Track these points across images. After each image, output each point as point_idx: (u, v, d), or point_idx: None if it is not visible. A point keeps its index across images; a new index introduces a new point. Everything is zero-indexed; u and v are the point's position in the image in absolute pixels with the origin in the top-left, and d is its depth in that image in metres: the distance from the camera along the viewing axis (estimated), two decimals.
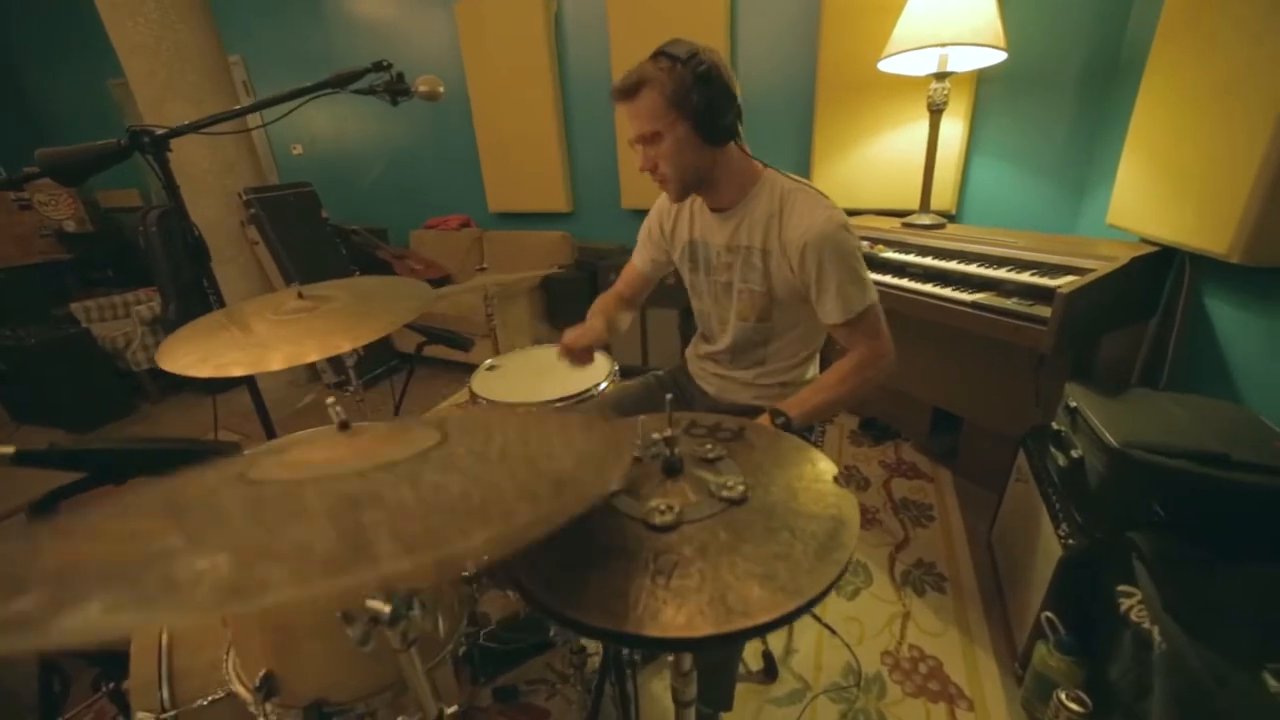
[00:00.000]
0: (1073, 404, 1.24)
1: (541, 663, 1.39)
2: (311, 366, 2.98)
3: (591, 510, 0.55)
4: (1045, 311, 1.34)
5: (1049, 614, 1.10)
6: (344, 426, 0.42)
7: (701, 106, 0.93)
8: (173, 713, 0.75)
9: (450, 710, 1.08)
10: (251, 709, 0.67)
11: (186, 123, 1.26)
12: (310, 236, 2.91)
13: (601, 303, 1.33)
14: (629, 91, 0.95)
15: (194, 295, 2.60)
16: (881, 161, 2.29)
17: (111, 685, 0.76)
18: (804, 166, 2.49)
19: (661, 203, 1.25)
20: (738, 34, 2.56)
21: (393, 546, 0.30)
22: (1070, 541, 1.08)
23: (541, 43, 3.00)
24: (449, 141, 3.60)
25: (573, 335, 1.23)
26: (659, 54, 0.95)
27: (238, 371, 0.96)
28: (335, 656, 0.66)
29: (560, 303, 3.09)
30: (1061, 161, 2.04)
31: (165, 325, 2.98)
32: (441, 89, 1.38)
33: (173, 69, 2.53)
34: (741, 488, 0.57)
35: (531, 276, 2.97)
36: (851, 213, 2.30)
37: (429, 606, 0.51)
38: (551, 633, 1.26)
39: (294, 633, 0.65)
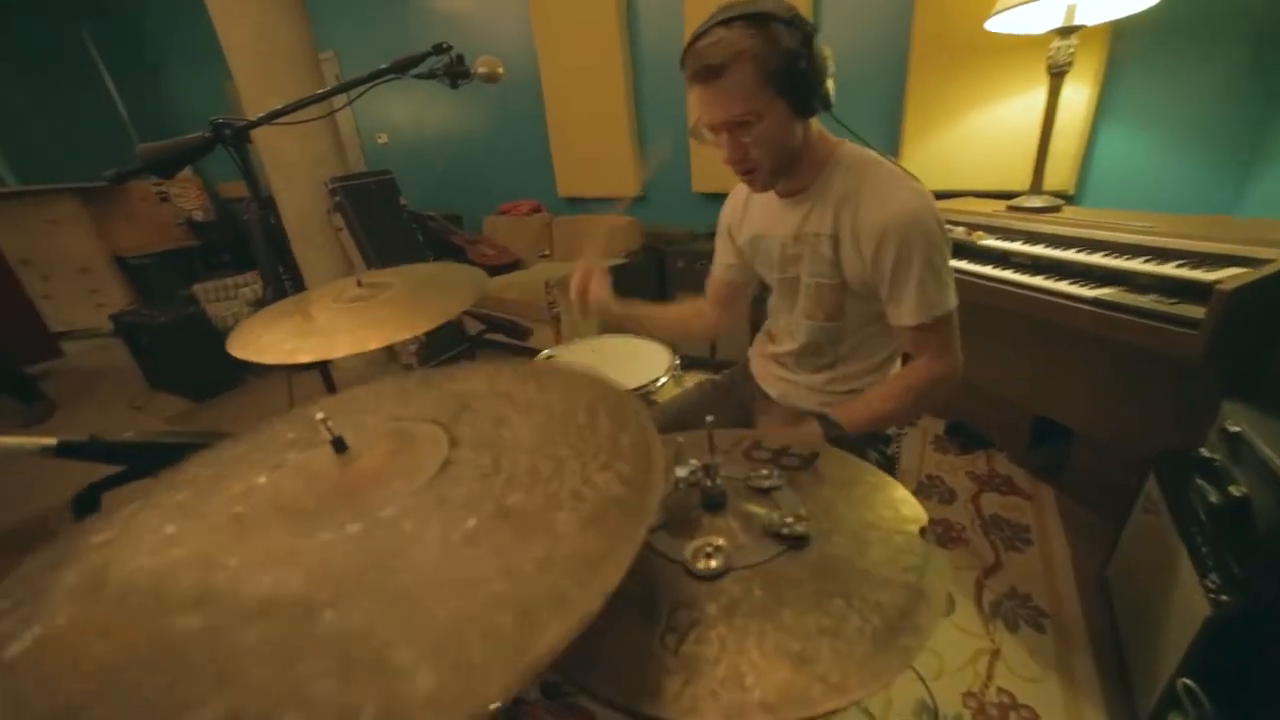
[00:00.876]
0: (1233, 428, 1.02)
1: None
2: (389, 346, 3.13)
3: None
4: (1197, 312, 1.10)
5: (1188, 681, 0.91)
6: (340, 447, 0.37)
7: (803, 79, 0.79)
8: None
9: (493, 706, 1.07)
10: None
11: (263, 114, 1.30)
12: (389, 223, 3.03)
13: (680, 307, 1.29)
14: (716, 71, 0.78)
15: (282, 279, 2.81)
16: (985, 136, 2.03)
17: None
18: (891, 143, 2.25)
19: (731, 198, 1.14)
20: None
21: None
22: (1223, 598, 0.88)
23: (612, 24, 2.92)
24: (521, 127, 3.62)
25: (587, 285, 1.19)
26: (738, 18, 0.77)
27: (304, 358, 0.98)
28: None
29: (626, 289, 3.02)
30: (1222, 129, 1.70)
31: (263, 307, 3.23)
32: (500, 70, 1.34)
33: (271, 67, 2.69)
34: (804, 526, 0.48)
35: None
36: (947, 194, 2.07)
37: None
38: None
39: None
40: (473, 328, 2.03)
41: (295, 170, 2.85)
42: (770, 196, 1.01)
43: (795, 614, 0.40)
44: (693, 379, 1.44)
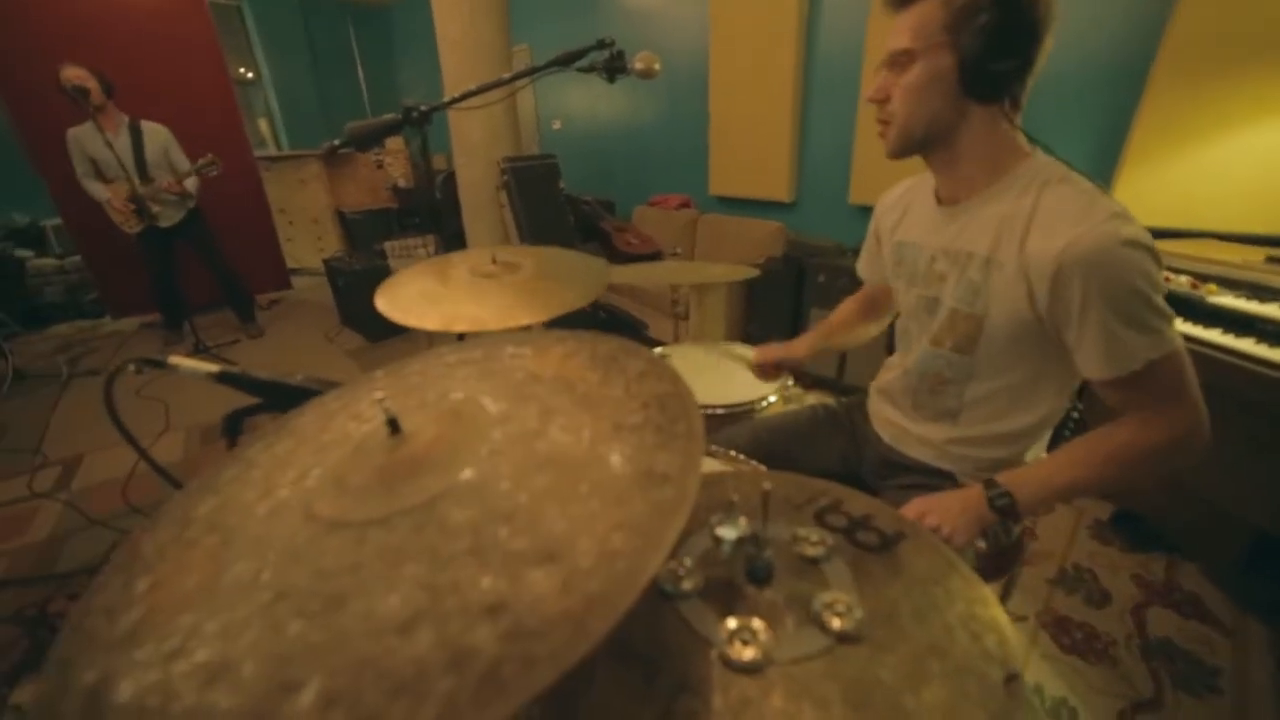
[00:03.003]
0: None
1: None
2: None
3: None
4: None
5: None
6: (394, 429, 0.40)
7: (983, 38, 0.67)
8: None
9: None
10: None
11: (445, 100, 1.45)
12: (547, 203, 3.25)
13: (839, 312, 1.22)
14: None
15: (452, 244, 3.17)
16: (1245, 163, 1.59)
17: None
18: (1105, 163, 1.87)
19: (884, 197, 1.02)
20: None
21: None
22: None
23: (792, 21, 2.79)
24: (683, 122, 3.65)
25: (770, 352, 1.20)
26: None
27: (429, 326, 1.06)
28: None
29: (761, 296, 2.93)
30: None
31: None
32: (657, 66, 1.35)
33: (471, 59, 3.01)
34: (859, 615, 0.40)
35: (719, 278, 2.86)
36: (1174, 233, 1.67)
37: None
38: None
39: None
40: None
41: (475, 148, 3.17)
42: (930, 201, 0.88)
43: None
44: (813, 398, 1.34)
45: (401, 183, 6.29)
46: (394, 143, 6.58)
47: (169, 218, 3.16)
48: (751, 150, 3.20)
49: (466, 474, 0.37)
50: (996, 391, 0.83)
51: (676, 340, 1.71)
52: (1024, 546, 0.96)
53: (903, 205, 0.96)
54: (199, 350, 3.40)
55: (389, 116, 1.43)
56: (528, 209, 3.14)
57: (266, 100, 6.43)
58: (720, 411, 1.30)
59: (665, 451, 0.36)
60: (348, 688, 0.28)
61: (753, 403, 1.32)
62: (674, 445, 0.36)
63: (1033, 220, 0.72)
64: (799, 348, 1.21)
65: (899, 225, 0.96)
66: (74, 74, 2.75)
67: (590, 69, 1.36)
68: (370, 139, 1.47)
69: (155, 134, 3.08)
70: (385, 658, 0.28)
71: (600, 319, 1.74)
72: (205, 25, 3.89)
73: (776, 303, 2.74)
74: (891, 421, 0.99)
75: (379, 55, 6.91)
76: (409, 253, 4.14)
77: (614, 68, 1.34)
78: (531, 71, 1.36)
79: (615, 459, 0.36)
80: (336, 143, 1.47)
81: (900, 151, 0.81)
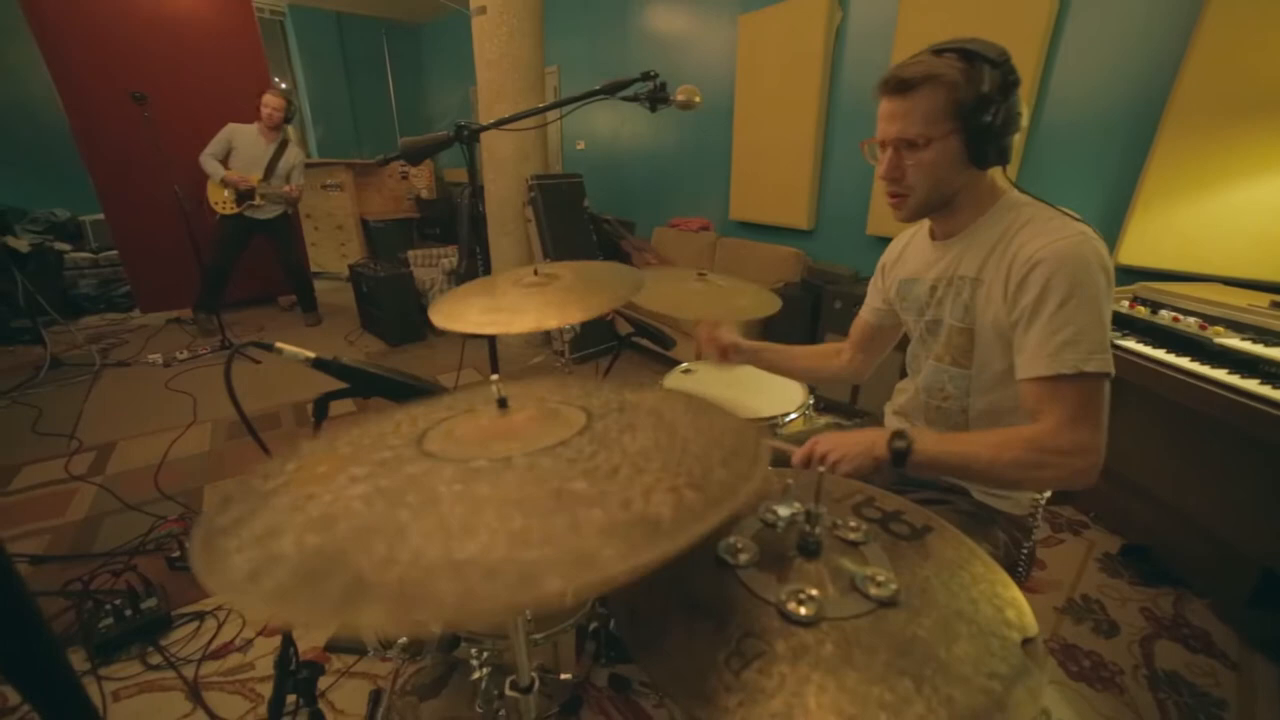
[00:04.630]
0: None
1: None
2: (546, 331, 3.45)
3: (706, 555, 0.52)
4: None
5: None
6: (502, 404, 0.46)
7: (988, 123, 0.78)
8: None
9: (565, 676, 1.14)
10: None
11: (493, 120, 1.55)
12: (571, 220, 3.35)
13: (807, 348, 1.29)
14: (906, 85, 0.81)
15: (476, 257, 3.25)
16: (1254, 211, 1.66)
17: None
18: (1114, 210, 1.94)
19: (894, 242, 1.12)
20: (1062, 37, 2.10)
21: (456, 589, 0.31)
22: None
23: (817, 54, 2.91)
24: (707, 146, 3.76)
25: (715, 331, 1.22)
26: (950, 50, 0.80)
27: (489, 330, 1.14)
28: None
29: (778, 319, 2.99)
30: None
31: (456, 277, 3.78)
32: (698, 99, 1.44)
33: (507, 78, 3.14)
34: (894, 586, 0.47)
35: (745, 314, 2.94)
36: (1183, 277, 1.74)
37: None
38: None
39: None
40: (625, 327, 2.17)
41: (504, 165, 3.29)
42: (924, 239, 0.99)
43: (860, 679, 0.39)
44: (824, 421, 1.40)
45: (424, 194, 6.46)
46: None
47: (267, 212, 3.69)
48: (773, 178, 3.31)
49: (543, 445, 0.43)
50: (997, 404, 0.91)
51: (698, 358, 1.77)
52: (1033, 567, 1.01)
53: (901, 249, 1.08)
54: (224, 346, 3.51)
55: (441, 134, 1.52)
56: (552, 225, 3.24)
57: (300, 109, 6.64)
58: None
59: (724, 470, 0.42)
60: (401, 560, 0.33)
61: (774, 418, 1.39)
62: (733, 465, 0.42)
63: (1015, 237, 0.82)
64: (745, 343, 1.22)
65: (897, 265, 1.07)
66: (273, 101, 3.51)
67: (634, 98, 1.45)
68: (422, 153, 1.56)
69: (294, 154, 3.71)
70: (434, 552, 0.33)
71: (632, 331, 1.81)
72: (253, 38, 4.09)
73: (793, 326, 2.81)
74: None
75: (408, 70, 7.15)
76: (432, 261, 4.25)
77: (657, 98, 1.43)
78: (580, 98, 1.45)
79: (678, 463, 0.42)
80: (390, 155, 1.57)
81: (916, 217, 0.92)
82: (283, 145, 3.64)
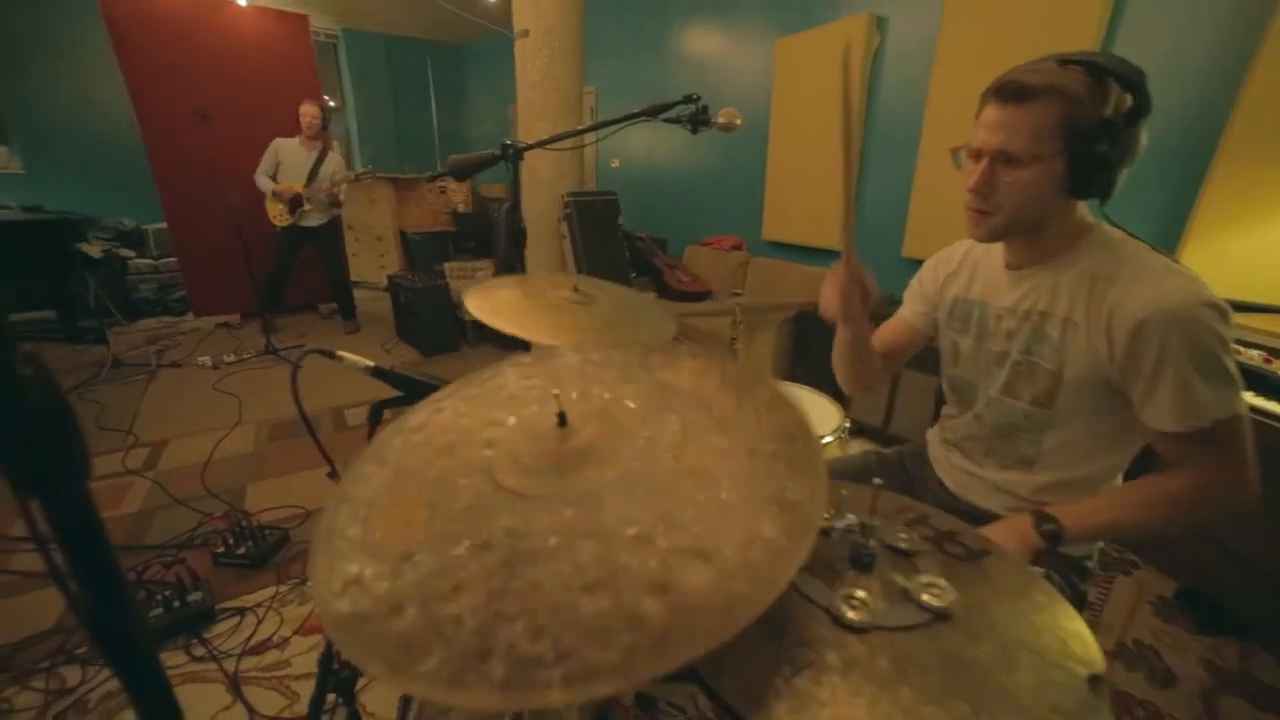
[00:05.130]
0: None
1: (689, 691, 1.37)
2: None
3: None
4: None
5: None
6: (562, 422, 0.48)
7: (1102, 151, 0.72)
8: None
9: None
10: None
11: (536, 140, 1.60)
12: (605, 237, 3.40)
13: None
14: (1024, 94, 0.74)
15: (515, 269, 3.34)
16: None
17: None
18: (1168, 235, 1.88)
19: (943, 252, 1.09)
20: (1112, 45, 2.05)
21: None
22: None
23: (854, 76, 2.92)
24: (740, 166, 3.79)
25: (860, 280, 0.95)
26: (1079, 62, 0.74)
27: (521, 333, 1.15)
28: None
29: (808, 339, 2.98)
30: None
31: None
32: (739, 122, 1.46)
33: (547, 99, 3.24)
34: (952, 597, 0.46)
35: (781, 307, 2.93)
36: (1243, 307, 1.67)
37: None
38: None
39: None
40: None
41: (542, 183, 3.37)
42: (994, 261, 0.94)
43: (914, 698, 0.39)
44: (857, 447, 1.38)
45: (460, 208, 6.65)
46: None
47: (315, 219, 3.90)
48: (807, 198, 3.31)
49: (624, 469, 0.44)
50: (1075, 439, 0.87)
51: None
52: (1085, 607, 0.97)
53: (965, 265, 1.01)
54: (268, 351, 3.65)
55: (488, 152, 1.58)
56: (587, 241, 3.30)
57: (347, 126, 6.94)
58: None
59: (794, 481, 0.43)
60: (548, 625, 0.34)
61: None
62: (802, 478, 0.42)
63: (1115, 282, 0.77)
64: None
65: (958, 282, 1.01)
66: (309, 110, 3.75)
67: (676, 120, 1.48)
68: (469, 171, 1.62)
69: (334, 160, 3.91)
70: (574, 609, 0.35)
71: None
72: (309, 60, 4.32)
73: (824, 346, 2.75)
74: (959, 468, 1.03)
75: (450, 90, 7.41)
76: (468, 274, 4.35)
77: (698, 121, 1.46)
78: (623, 119, 1.49)
79: (751, 478, 0.43)
80: (439, 171, 1.64)
81: (998, 239, 0.86)
82: (323, 153, 3.86)
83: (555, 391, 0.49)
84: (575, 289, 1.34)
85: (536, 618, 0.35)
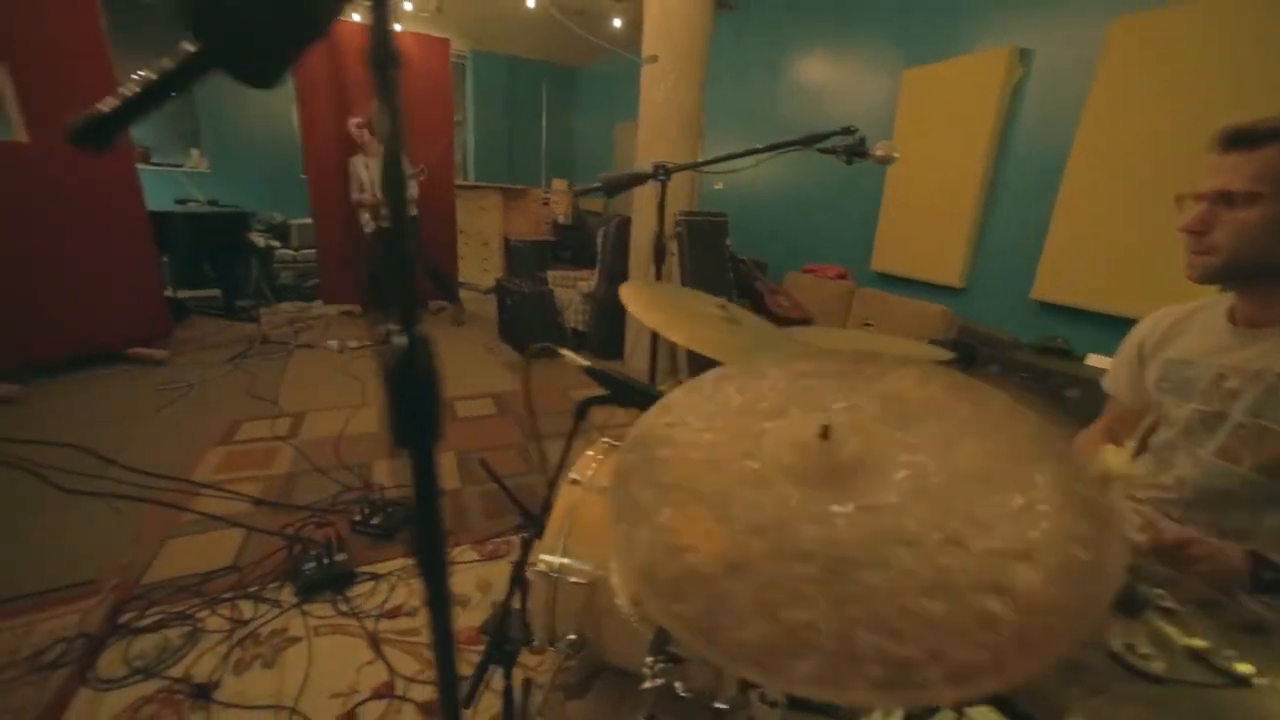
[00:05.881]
0: None
1: None
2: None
3: None
4: None
5: None
6: (825, 435, 0.50)
7: None
8: (560, 561, 1.03)
9: (720, 705, 1.15)
10: (627, 613, 0.86)
11: (684, 161, 1.67)
12: (712, 256, 3.46)
13: (1087, 441, 1.11)
14: (1247, 139, 0.77)
15: (619, 281, 3.46)
16: None
17: (530, 534, 1.08)
18: None
19: (1154, 316, 1.03)
20: None
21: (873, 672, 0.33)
22: None
23: (990, 110, 2.81)
24: (852, 195, 3.73)
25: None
26: None
27: (671, 335, 1.19)
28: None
29: None
30: None
31: (594, 300, 4.00)
32: (896, 155, 1.46)
33: (669, 120, 3.35)
34: (1252, 667, 0.44)
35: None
36: None
37: None
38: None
39: None
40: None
41: (650, 199, 3.46)
42: (1216, 319, 0.90)
43: None
44: None
45: (561, 219, 6.96)
46: (558, 183, 7.36)
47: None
48: (925, 231, 3.21)
49: (903, 476, 0.46)
50: None
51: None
52: None
53: (1170, 325, 0.98)
54: (385, 341, 3.96)
55: (639, 171, 1.68)
56: (694, 260, 3.36)
57: (465, 138, 7.48)
58: None
59: (1076, 480, 0.43)
60: (905, 628, 0.35)
61: None
62: (1076, 474, 0.43)
63: None
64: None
65: (1164, 343, 0.97)
66: (351, 122, 4.08)
67: (830, 151, 1.50)
68: (621, 187, 1.72)
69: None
70: (921, 612, 0.36)
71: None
72: (446, 79, 4.72)
73: None
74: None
75: (561, 109, 7.83)
76: (570, 283, 4.53)
77: (855, 152, 1.47)
78: (778, 146, 1.53)
79: (1030, 478, 0.44)
80: (590, 186, 1.74)
81: (1213, 280, 0.84)
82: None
83: (835, 405, 0.52)
84: (723, 306, 1.38)
85: (889, 621, 0.36)
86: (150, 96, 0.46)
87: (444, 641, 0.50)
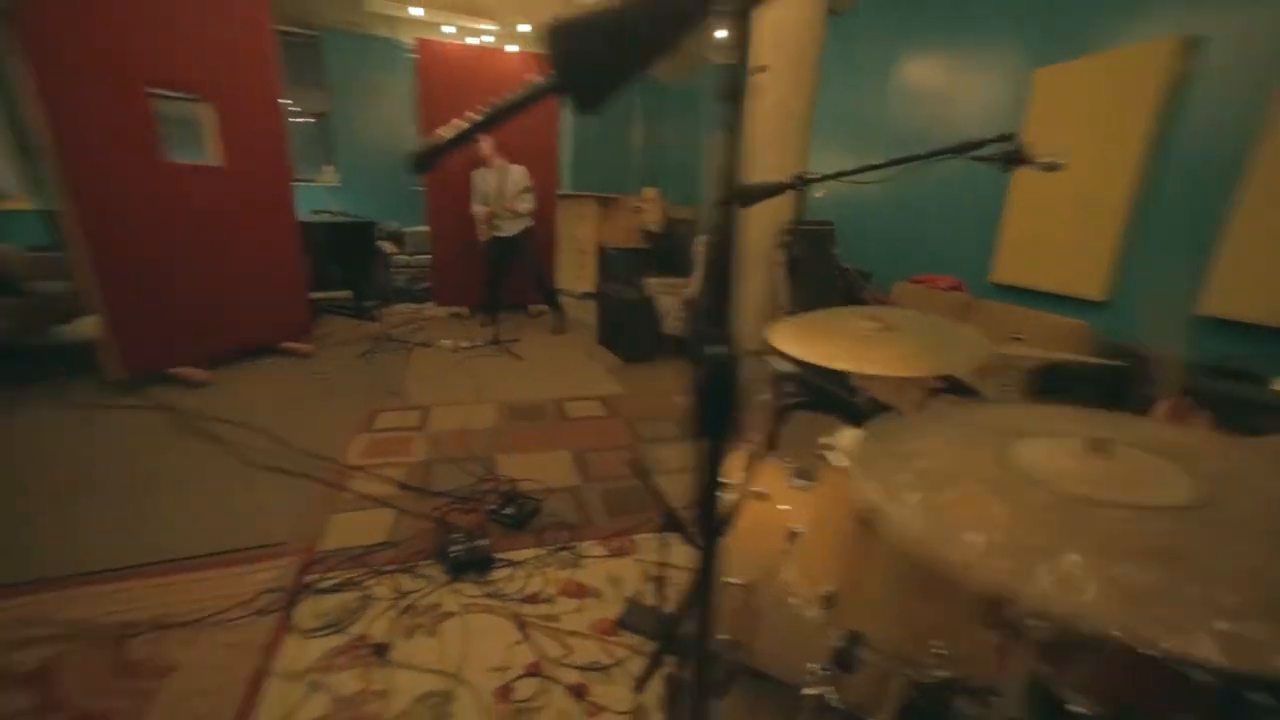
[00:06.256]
0: None
1: None
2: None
3: None
4: None
5: None
6: (1097, 447, 0.50)
7: None
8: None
9: None
10: (804, 611, 0.87)
11: (808, 171, 1.67)
12: (820, 266, 3.40)
13: None
14: None
15: (723, 290, 3.45)
16: None
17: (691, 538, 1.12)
18: None
19: None
20: None
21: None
22: None
23: (1144, 108, 2.57)
24: (969, 201, 3.53)
25: None
26: None
27: (838, 365, 1.18)
28: (890, 605, 0.80)
29: (1062, 395, 2.66)
30: None
31: (694, 307, 4.04)
32: (1064, 161, 1.38)
33: (779, 130, 3.34)
34: None
35: (1076, 359, 2.65)
36: None
37: None
38: None
39: (868, 573, 0.81)
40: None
41: (762, 208, 3.45)
42: None
43: None
44: None
45: (653, 227, 7.07)
46: (648, 191, 7.48)
47: (508, 229, 4.41)
48: (1058, 239, 2.98)
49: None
50: None
51: None
52: None
53: None
54: (495, 342, 4.19)
55: (781, 180, 1.69)
56: (803, 269, 3.31)
57: (561, 148, 7.80)
58: None
59: None
60: None
61: None
62: None
63: None
64: None
65: None
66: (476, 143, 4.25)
67: (987, 159, 1.44)
68: (758, 197, 1.73)
69: (516, 173, 4.38)
70: None
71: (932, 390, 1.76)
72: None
73: (1082, 399, 2.46)
74: None
75: (651, 120, 7.98)
76: (670, 290, 4.60)
77: (1014, 160, 1.41)
78: (929, 154, 1.49)
79: None
80: (725, 196, 1.77)
81: None
82: (504, 171, 4.33)
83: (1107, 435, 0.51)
84: (874, 318, 1.36)
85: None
86: (485, 123, 0.55)
87: (704, 619, 0.54)
